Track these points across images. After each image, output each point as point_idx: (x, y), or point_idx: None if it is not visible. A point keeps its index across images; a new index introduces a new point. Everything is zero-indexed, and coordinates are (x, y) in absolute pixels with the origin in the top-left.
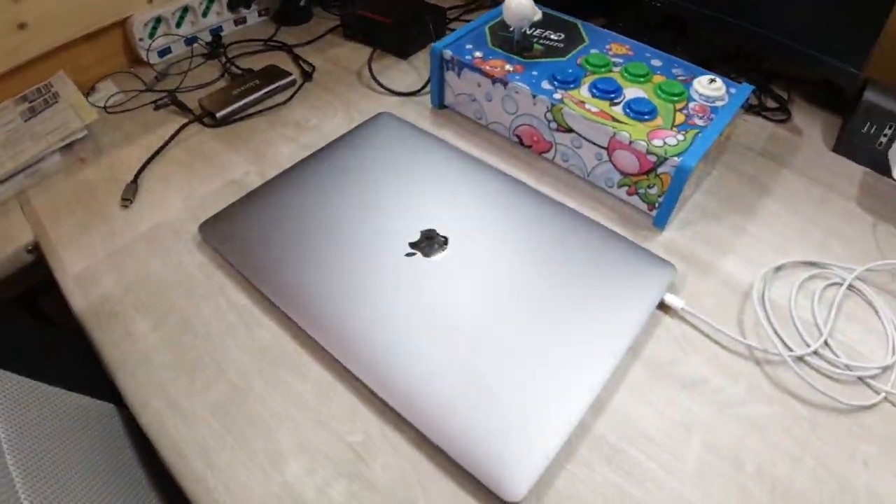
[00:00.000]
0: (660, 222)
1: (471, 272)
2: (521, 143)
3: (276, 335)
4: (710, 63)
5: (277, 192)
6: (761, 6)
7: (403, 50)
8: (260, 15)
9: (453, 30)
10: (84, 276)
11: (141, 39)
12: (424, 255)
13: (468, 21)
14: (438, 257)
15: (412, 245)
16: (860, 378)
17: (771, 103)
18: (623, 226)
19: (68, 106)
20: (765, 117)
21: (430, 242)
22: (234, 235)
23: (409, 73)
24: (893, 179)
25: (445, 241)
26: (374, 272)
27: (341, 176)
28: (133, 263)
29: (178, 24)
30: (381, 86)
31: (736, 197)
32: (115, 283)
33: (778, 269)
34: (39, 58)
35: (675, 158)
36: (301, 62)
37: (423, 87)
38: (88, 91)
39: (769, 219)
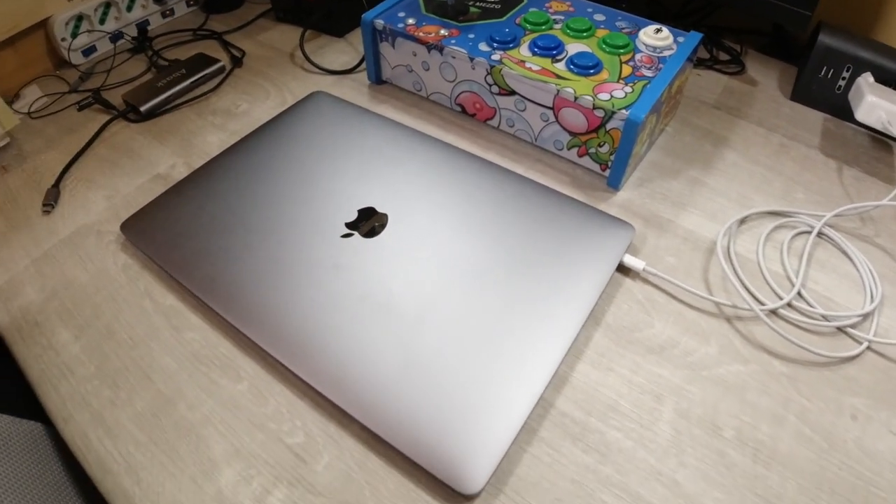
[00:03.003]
0: (614, 182)
1: (414, 249)
2: (465, 111)
3: (206, 335)
4: (657, 20)
5: (203, 183)
6: None
7: (338, 27)
8: (189, 5)
9: None
10: (6, 289)
11: (63, 39)
12: (363, 235)
13: None
14: (378, 236)
15: (349, 225)
16: (839, 328)
17: (723, 56)
18: (576, 189)
19: None
20: (718, 70)
21: (368, 221)
22: (158, 232)
23: (347, 51)
24: (856, 122)
25: (385, 218)
26: (309, 258)
27: (272, 160)
28: (55, 270)
29: (102, 21)
30: (315, 65)
31: (692, 151)
32: (37, 293)
33: (742, 221)
34: None
35: (624, 111)
36: (230, 48)
37: (359, 64)
38: (13, 98)
39: (728, 170)
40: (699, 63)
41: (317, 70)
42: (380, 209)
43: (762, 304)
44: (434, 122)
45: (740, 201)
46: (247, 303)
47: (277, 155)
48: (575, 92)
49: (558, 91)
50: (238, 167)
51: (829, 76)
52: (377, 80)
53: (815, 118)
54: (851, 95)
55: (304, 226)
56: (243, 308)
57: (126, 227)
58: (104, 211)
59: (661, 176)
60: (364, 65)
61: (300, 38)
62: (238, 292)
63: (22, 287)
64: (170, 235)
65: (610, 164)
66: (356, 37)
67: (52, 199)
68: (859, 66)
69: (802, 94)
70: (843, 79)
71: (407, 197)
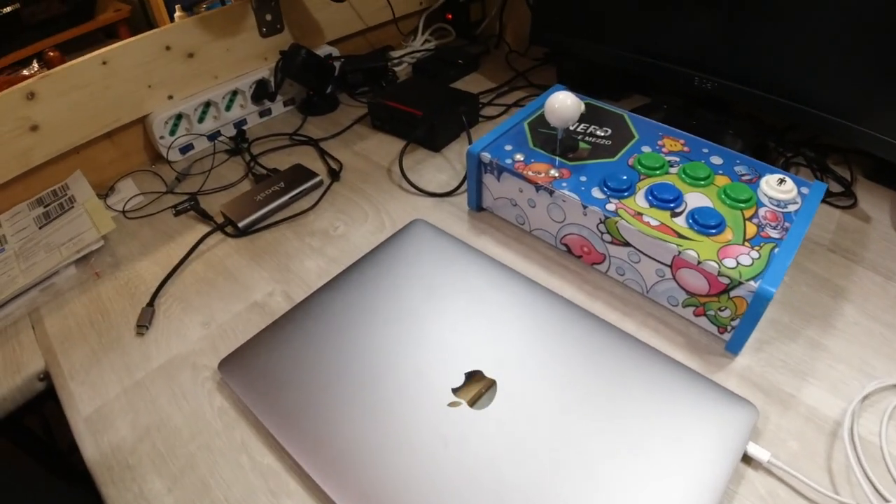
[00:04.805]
0: (734, 349)
1: (523, 423)
2: (570, 251)
3: None
4: (763, 141)
5: (303, 323)
6: (818, 86)
7: (435, 142)
8: (285, 105)
9: (486, 117)
10: (96, 419)
11: (161, 137)
12: (470, 405)
13: (501, 105)
14: (486, 408)
15: (456, 391)
16: None
17: (834, 186)
18: (691, 352)
19: (84, 212)
20: (829, 203)
21: (475, 388)
22: (256, 377)
23: (443, 168)
24: None
25: (493, 385)
26: (415, 427)
27: (373, 301)
28: (148, 405)
29: (201, 120)
30: (414, 186)
31: (810, 305)
32: (130, 429)
33: (865, 397)
34: (56, 156)
35: (752, 283)
36: (327, 158)
37: (458, 187)
38: (107, 191)
39: (848, 329)
40: None
41: (415, 191)
42: (487, 371)
43: (886, 500)
44: (537, 259)
45: (862, 368)
46: (348, 475)
47: (379, 295)
48: (698, 256)
49: (680, 252)
50: (339, 306)
51: None
52: (477, 207)
53: None
54: None
55: (410, 386)
56: (344, 481)
57: (224, 366)
58: (200, 340)
59: (780, 337)
60: (463, 187)
61: (399, 158)
62: (339, 461)
63: (113, 419)
64: (268, 383)
65: (730, 328)
66: (453, 152)
67: (146, 321)
68: None
69: None
70: None
71: (514, 358)
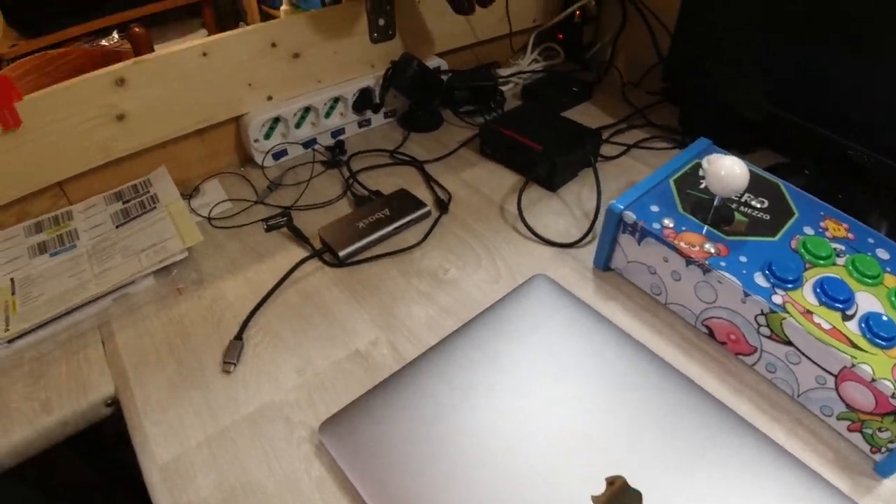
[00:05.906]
0: (884, 471)
1: None
2: (712, 335)
3: None
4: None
5: (415, 388)
6: None
7: (553, 183)
8: (386, 116)
9: (604, 157)
10: (174, 469)
11: (256, 140)
12: None
13: (620, 144)
14: None
15: (596, 501)
16: None
17: None
18: (839, 468)
19: (168, 216)
20: None
21: (620, 501)
22: (362, 449)
23: (561, 212)
24: None
25: (639, 499)
26: None
27: (495, 368)
28: (234, 462)
29: (298, 125)
30: (534, 232)
31: None
32: (212, 489)
33: None
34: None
35: None
36: (434, 185)
37: (582, 238)
38: (192, 192)
39: None
40: None
41: (534, 238)
42: (631, 481)
43: None
44: (673, 339)
45: None
46: None
47: (501, 362)
48: (873, 372)
49: (853, 365)
50: (455, 371)
51: None
52: (605, 267)
53: None
54: None
55: (539, 481)
56: None
57: (325, 430)
58: (295, 388)
59: None
60: (587, 239)
61: (518, 198)
62: None
63: (194, 473)
64: (376, 458)
65: (884, 450)
66: (570, 193)
67: (234, 357)
68: None
69: None
70: None
71: (660, 464)
